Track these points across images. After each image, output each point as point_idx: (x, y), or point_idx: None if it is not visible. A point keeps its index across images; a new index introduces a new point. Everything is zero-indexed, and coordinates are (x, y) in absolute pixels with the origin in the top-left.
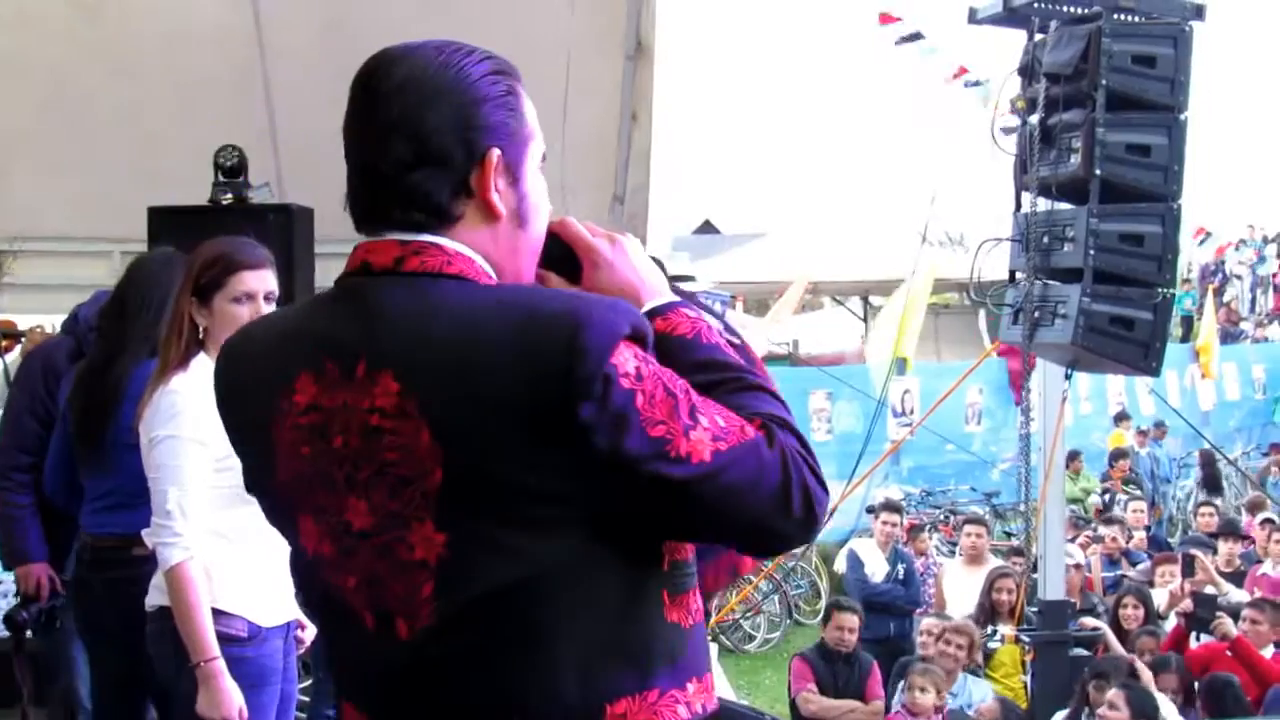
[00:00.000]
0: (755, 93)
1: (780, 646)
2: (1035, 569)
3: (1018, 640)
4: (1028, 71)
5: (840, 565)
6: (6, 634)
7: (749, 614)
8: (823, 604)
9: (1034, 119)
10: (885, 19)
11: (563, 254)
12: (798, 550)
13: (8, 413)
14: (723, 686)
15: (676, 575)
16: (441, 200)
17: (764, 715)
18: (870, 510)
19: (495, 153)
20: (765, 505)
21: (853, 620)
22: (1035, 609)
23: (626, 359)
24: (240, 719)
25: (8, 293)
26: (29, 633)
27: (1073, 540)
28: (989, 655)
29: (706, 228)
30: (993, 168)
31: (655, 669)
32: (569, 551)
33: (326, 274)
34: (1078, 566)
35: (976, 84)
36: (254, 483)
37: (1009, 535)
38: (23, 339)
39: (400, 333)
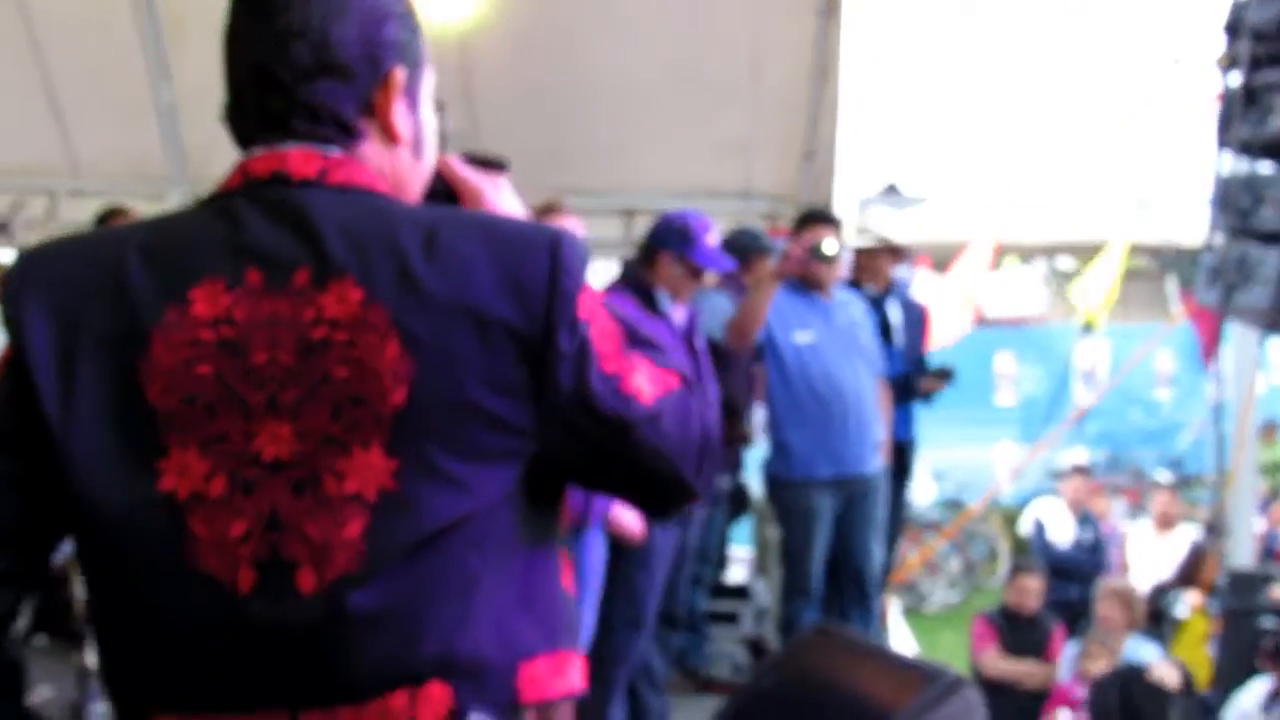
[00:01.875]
0: (944, 52)
1: (959, 608)
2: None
3: (1205, 610)
4: (1232, 29)
5: (1024, 528)
6: None
7: (928, 574)
8: (1002, 567)
9: (1237, 77)
10: None
11: (443, 192)
12: (979, 512)
13: None
14: (905, 645)
15: (565, 539)
16: (347, 115)
17: (949, 672)
18: (1055, 474)
19: (400, 72)
20: (685, 454)
21: (1036, 583)
22: (1224, 579)
23: (587, 293)
24: None
25: None
26: None
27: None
28: (1176, 624)
29: (892, 190)
30: (1187, 131)
31: (559, 630)
32: (504, 490)
33: None
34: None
35: (1176, 59)
36: (70, 403)
37: (1196, 503)
38: None
39: (357, 242)
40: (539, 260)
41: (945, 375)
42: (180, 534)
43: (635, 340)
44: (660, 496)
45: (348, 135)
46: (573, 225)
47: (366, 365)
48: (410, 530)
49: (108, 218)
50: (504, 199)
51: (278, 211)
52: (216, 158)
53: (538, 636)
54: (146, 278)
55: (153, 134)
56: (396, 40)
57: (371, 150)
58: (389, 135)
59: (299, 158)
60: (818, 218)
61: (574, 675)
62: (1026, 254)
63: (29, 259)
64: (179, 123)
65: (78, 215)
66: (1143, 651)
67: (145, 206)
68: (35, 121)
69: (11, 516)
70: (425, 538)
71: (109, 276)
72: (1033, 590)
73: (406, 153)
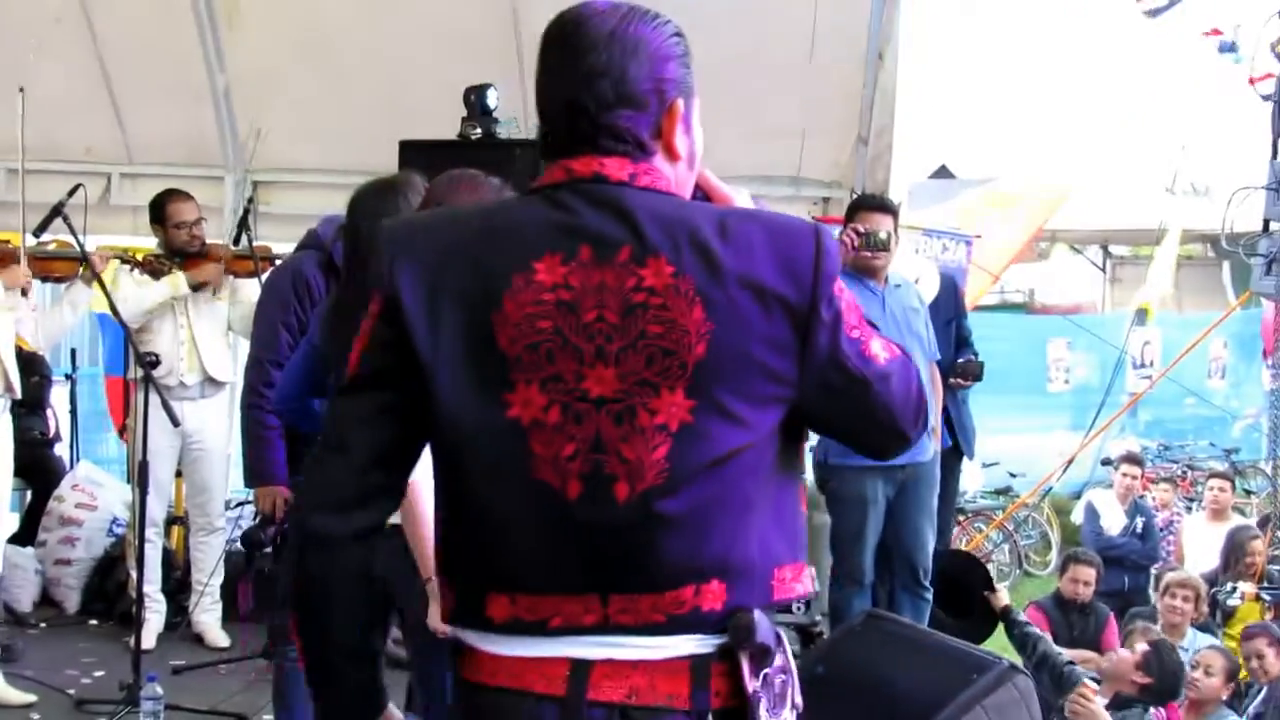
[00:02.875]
0: (998, 37)
1: (1010, 597)
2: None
3: (1258, 598)
4: None
5: (1077, 516)
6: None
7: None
8: (1053, 555)
9: None
10: None
11: (703, 198)
12: (1030, 501)
13: (259, 326)
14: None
15: (803, 472)
16: (643, 137)
17: (1002, 660)
18: (1106, 462)
19: (680, 103)
20: (906, 410)
21: (1089, 573)
22: (1278, 567)
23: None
24: None
25: (264, 221)
26: (268, 550)
27: None
28: (1229, 613)
29: (943, 173)
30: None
31: (799, 544)
32: (773, 428)
33: None
34: None
35: (1231, 48)
36: (441, 348)
37: (1249, 493)
38: (275, 262)
39: (667, 228)
40: (806, 246)
41: (972, 371)
42: (523, 452)
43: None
44: (881, 442)
45: (643, 152)
46: None
47: (677, 324)
48: (704, 455)
49: (164, 200)
50: (743, 203)
51: (600, 202)
52: (270, 142)
53: (786, 549)
54: (495, 251)
55: (207, 118)
56: (676, 77)
57: (660, 164)
58: (670, 154)
59: (613, 163)
60: (870, 203)
61: (808, 581)
62: (1079, 240)
63: (396, 235)
64: (233, 107)
65: (133, 199)
66: (1198, 642)
67: (200, 190)
68: (91, 106)
69: (388, 439)
70: (714, 461)
71: (460, 249)
72: (1087, 579)
73: (683, 166)
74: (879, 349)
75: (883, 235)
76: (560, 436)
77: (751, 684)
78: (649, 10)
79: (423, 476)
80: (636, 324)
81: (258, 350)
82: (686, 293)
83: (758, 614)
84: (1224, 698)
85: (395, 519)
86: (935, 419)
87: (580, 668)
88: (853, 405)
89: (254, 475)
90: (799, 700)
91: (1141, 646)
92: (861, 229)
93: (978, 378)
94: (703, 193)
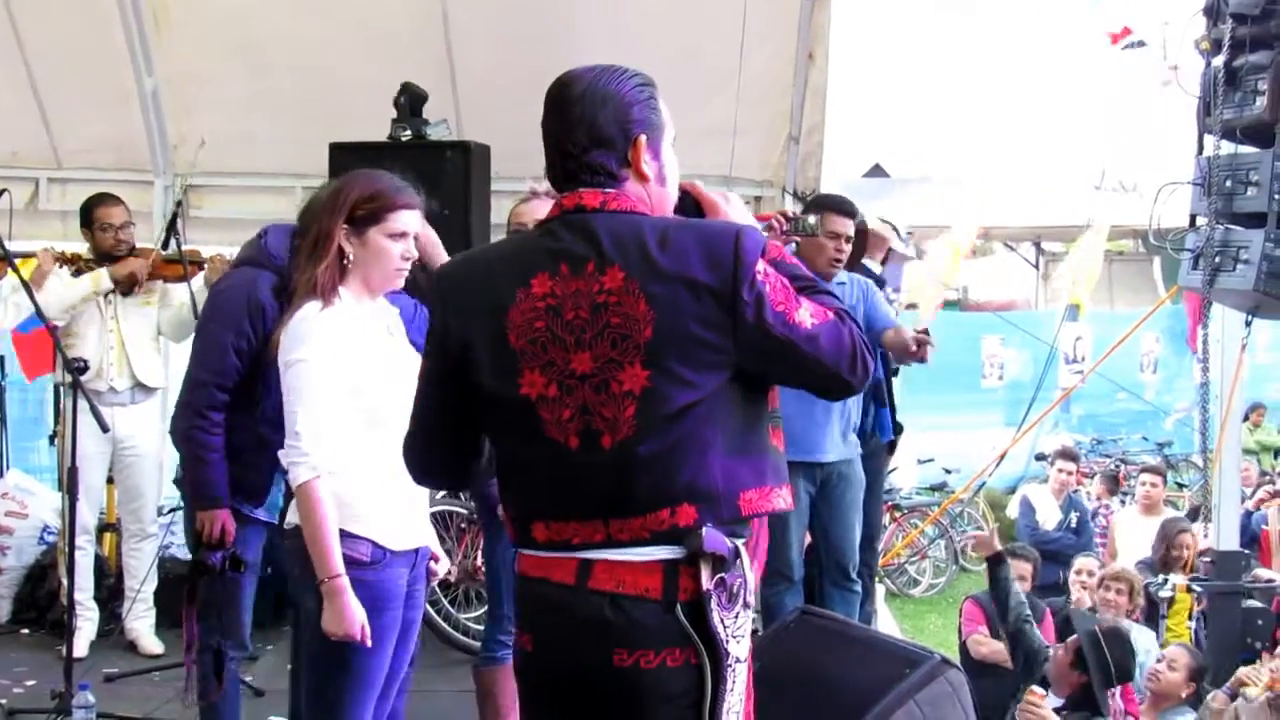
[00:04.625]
0: (926, 35)
1: (945, 592)
2: (1209, 519)
3: (1189, 589)
4: (1213, 11)
5: (1012, 511)
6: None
7: (915, 558)
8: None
9: (1218, 60)
10: None
11: (692, 204)
12: (965, 496)
13: (205, 345)
14: (890, 628)
15: (774, 416)
16: (612, 169)
17: (934, 654)
18: (1041, 458)
19: (642, 138)
20: (842, 363)
21: (1027, 568)
22: (1208, 559)
23: (761, 262)
24: (363, 637)
25: (195, 226)
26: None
27: (1253, 493)
28: (1167, 604)
29: (876, 171)
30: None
31: (766, 471)
32: (719, 385)
33: (502, 208)
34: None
35: (1140, 44)
36: (472, 349)
37: (1181, 486)
38: (205, 266)
39: (620, 244)
40: (727, 245)
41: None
42: (535, 418)
43: (806, 286)
44: (823, 387)
45: (615, 181)
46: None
47: (630, 315)
48: (663, 410)
49: (92, 204)
50: (733, 208)
51: (576, 228)
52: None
53: (750, 476)
54: (506, 273)
55: (136, 123)
56: (639, 118)
57: (632, 186)
58: (640, 177)
59: (590, 195)
60: (829, 204)
61: (775, 501)
62: (1012, 238)
63: (443, 272)
64: (161, 111)
65: (61, 204)
66: (1138, 637)
67: (129, 195)
68: (18, 110)
69: (447, 417)
70: (671, 415)
71: (485, 275)
72: (1024, 574)
73: (654, 184)
74: (806, 315)
75: (811, 220)
76: (559, 405)
77: (707, 583)
78: (618, 68)
79: (324, 489)
80: (602, 317)
81: (202, 372)
82: (634, 291)
83: (707, 530)
84: (1183, 695)
85: (296, 520)
86: (858, 417)
87: (585, 565)
88: (787, 362)
89: (199, 499)
90: (750, 600)
91: (1072, 640)
92: (790, 214)
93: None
94: (693, 199)
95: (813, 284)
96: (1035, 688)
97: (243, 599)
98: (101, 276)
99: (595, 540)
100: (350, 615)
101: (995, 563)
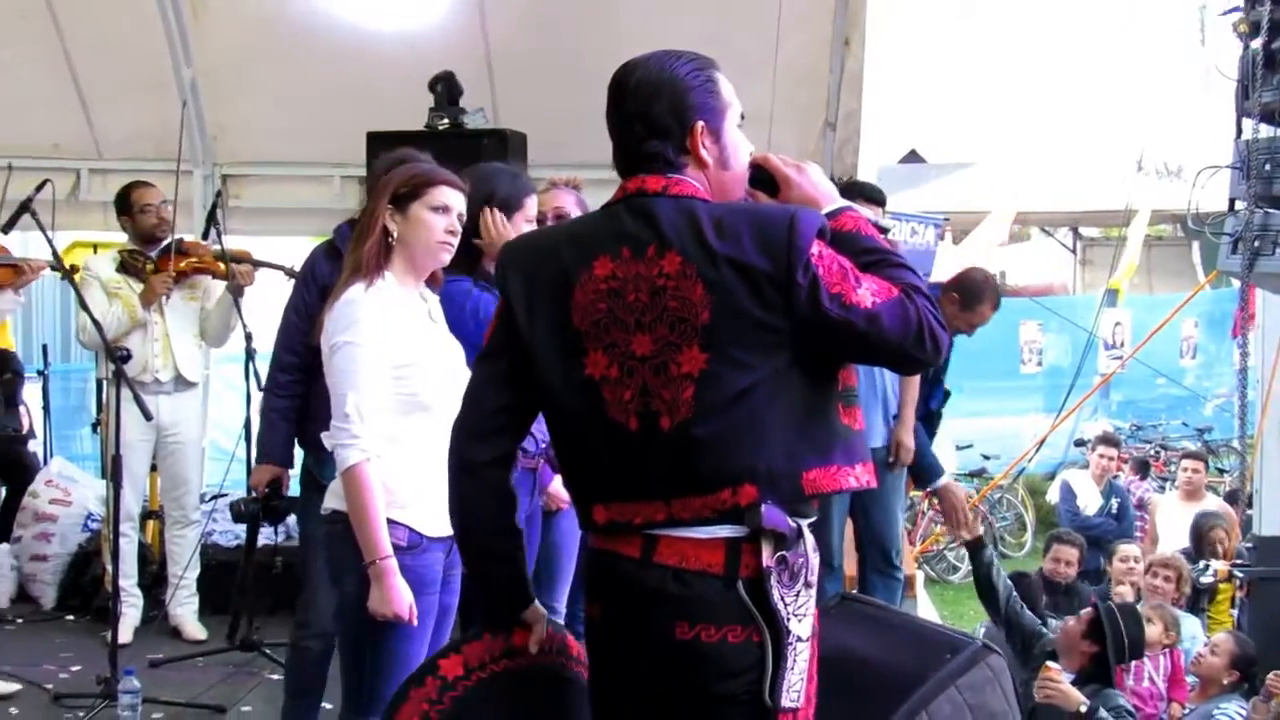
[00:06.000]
0: (965, 20)
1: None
2: (1250, 505)
3: (1230, 577)
4: None
5: (1052, 496)
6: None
7: (953, 545)
8: (1028, 536)
9: (1257, 43)
10: None
11: (767, 179)
12: (1004, 482)
13: (281, 320)
14: (929, 614)
15: (846, 394)
16: (669, 157)
17: (975, 640)
18: (1080, 443)
19: (700, 124)
20: (908, 339)
21: (1073, 553)
22: (1249, 544)
23: (815, 245)
24: (410, 616)
25: (233, 215)
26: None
27: None
28: (1211, 591)
29: (912, 156)
30: (1207, 99)
31: (833, 451)
32: (780, 366)
33: None
34: None
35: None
36: (537, 330)
37: (1221, 472)
38: (259, 267)
39: (678, 229)
40: (781, 230)
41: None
42: (598, 399)
43: (878, 260)
44: (892, 364)
45: (673, 168)
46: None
47: (687, 299)
48: (721, 393)
49: (127, 191)
50: (807, 179)
51: (638, 211)
52: (237, 136)
53: (813, 455)
54: (569, 255)
55: (176, 113)
56: (695, 103)
57: (692, 172)
58: (699, 162)
59: (652, 180)
60: (857, 190)
61: (843, 479)
62: (1049, 223)
63: (507, 250)
64: (200, 102)
65: (102, 195)
66: (1187, 626)
67: (168, 185)
68: (59, 102)
69: (506, 392)
70: (731, 396)
71: (549, 254)
72: (1070, 559)
73: (714, 169)
74: (866, 294)
75: None
76: (620, 386)
77: (768, 560)
78: (674, 54)
79: (374, 471)
80: (660, 301)
81: (276, 339)
82: (692, 275)
83: (767, 507)
84: (1226, 682)
85: (341, 505)
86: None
87: (650, 540)
88: (848, 342)
89: (258, 453)
90: (812, 579)
91: (1086, 612)
92: None
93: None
94: (766, 175)
95: (885, 257)
96: (1050, 662)
97: (312, 578)
98: (136, 309)
99: (658, 519)
100: (399, 596)
101: (977, 548)
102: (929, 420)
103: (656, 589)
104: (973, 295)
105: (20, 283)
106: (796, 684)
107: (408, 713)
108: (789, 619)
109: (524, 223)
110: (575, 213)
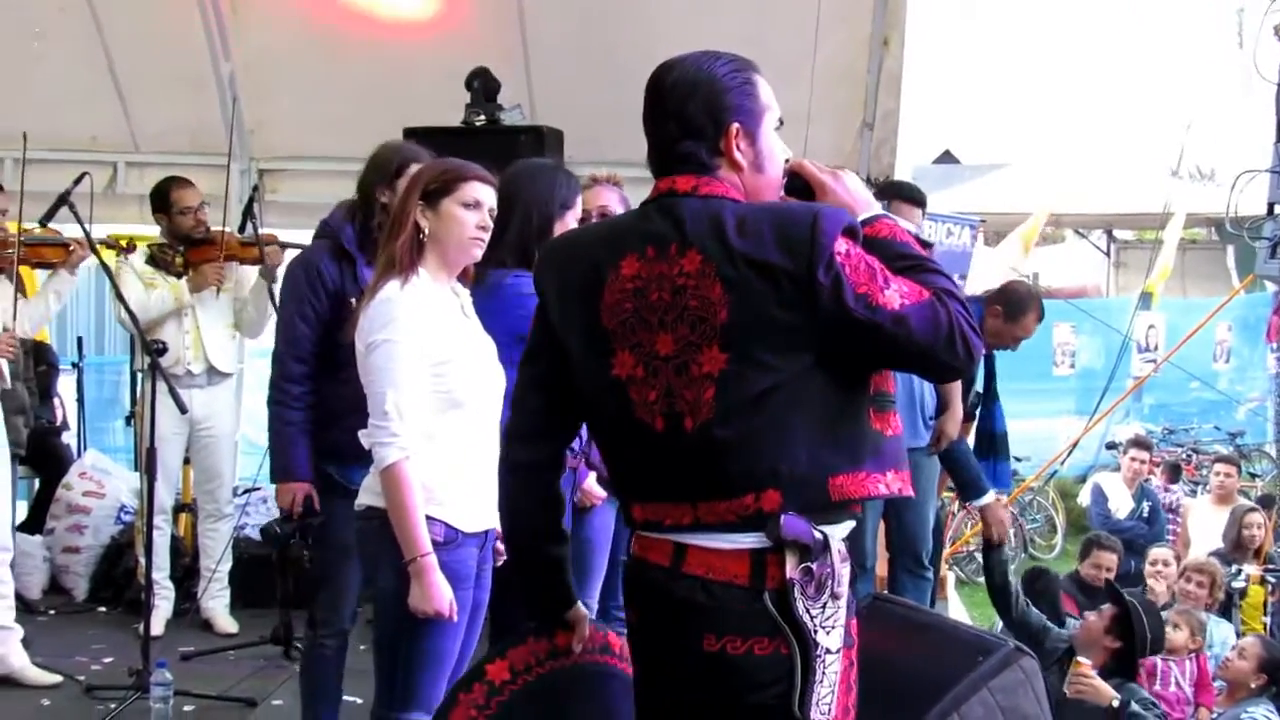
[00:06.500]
0: (1002, 22)
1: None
2: None
3: (1263, 581)
4: None
5: (1083, 499)
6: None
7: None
8: (1058, 539)
9: None
10: None
11: (802, 185)
12: (1035, 484)
13: (280, 322)
14: (960, 616)
15: (879, 399)
16: (703, 158)
17: (1007, 642)
18: (1111, 446)
19: (735, 126)
20: (938, 344)
21: (1112, 559)
22: None
23: (841, 243)
24: (451, 613)
25: (269, 210)
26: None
27: None
28: (1242, 594)
29: (946, 157)
30: (1244, 103)
31: (863, 457)
32: (803, 368)
33: None
34: None
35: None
36: (570, 329)
37: (1254, 476)
38: (289, 248)
39: (700, 227)
40: (803, 229)
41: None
42: (626, 400)
43: (912, 265)
44: (923, 370)
45: (706, 169)
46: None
47: (706, 298)
48: (743, 394)
49: (166, 188)
50: (843, 186)
51: (665, 211)
52: (275, 130)
53: (841, 460)
54: (600, 253)
55: (213, 108)
56: (731, 105)
57: (725, 173)
58: (733, 166)
59: (683, 180)
60: (901, 192)
61: (872, 486)
62: (1083, 225)
63: (545, 250)
64: (239, 96)
65: (139, 188)
66: (1214, 630)
67: (205, 179)
68: (96, 95)
69: (548, 394)
70: (753, 397)
71: (582, 253)
72: (1110, 565)
73: (749, 172)
74: (894, 296)
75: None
76: (646, 387)
77: (792, 572)
78: (713, 54)
79: (413, 469)
80: (681, 300)
81: (278, 346)
82: (710, 274)
83: (786, 518)
84: (1253, 685)
85: (376, 501)
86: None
87: (679, 548)
88: (874, 345)
89: (276, 471)
90: (840, 590)
91: (1108, 608)
92: None
93: None
94: (802, 181)
95: (920, 263)
96: (1080, 659)
97: (340, 578)
98: (183, 292)
99: (685, 523)
100: (439, 593)
101: (993, 548)
102: (993, 441)
103: (685, 599)
104: (1017, 307)
105: (72, 261)
106: (827, 696)
107: (457, 718)
108: (816, 631)
109: (573, 221)
110: (619, 209)
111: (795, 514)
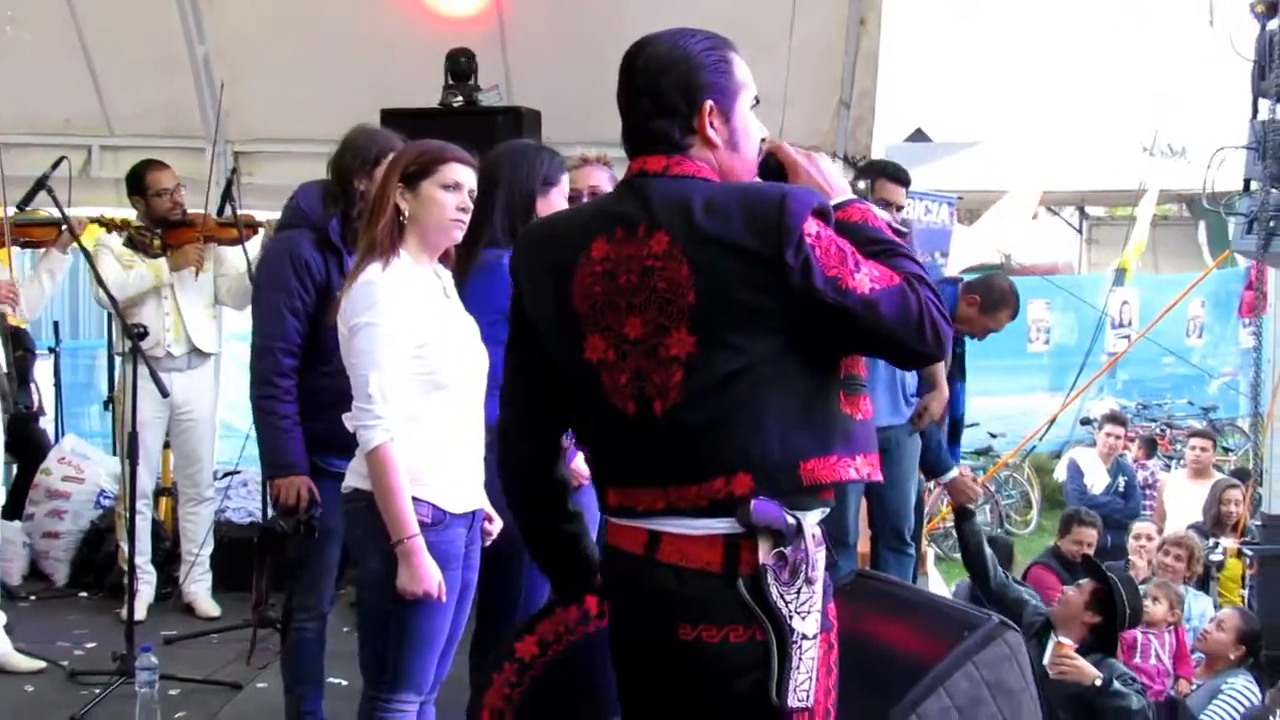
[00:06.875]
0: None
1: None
2: (1260, 483)
3: (1240, 554)
4: None
5: (1059, 474)
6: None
7: None
8: (1034, 515)
9: (1275, 24)
10: None
11: (776, 166)
12: (1012, 461)
13: (261, 313)
14: (939, 590)
15: (850, 382)
16: (676, 137)
17: (992, 617)
18: (1086, 422)
19: (709, 104)
20: (907, 329)
21: (1091, 534)
22: (1259, 523)
23: (811, 224)
24: (440, 593)
25: (246, 192)
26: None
27: None
28: (1220, 567)
29: (918, 136)
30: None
31: (833, 441)
32: (773, 351)
33: None
34: None
35: None
36: (543, 314)
37: (1227, 451)
38: (261, 229)
39: (668, 208)
40: (771, 209)
41: None
42: (598, 383)
43: (883, 250)
44: (892, 356)
45: (678, 148)
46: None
47: (673, 280)
48: (710, 377)
49: (142, 171)
50: (816, 168)
51: (636, 192)
52: (250, 113)
53: (812, 444)
54: (572, 236)
55: (188, 90)
56: (705, 82)
57: (698, 152)
58: (707, 143)
59: (654, 160)
60: (886, 171)
61: (843, 471)
62: (1056, 202)
63: (524, 233)
64: (214, 79)
65: (114, 172)
66: (1193, 603)
67: (181, 161)
68: (71, 78)
69: (531, 380)
70: (720, 380)
71: (556, 237)
72: (1090, 540)
73: (723, 150)
74: (864, 280)
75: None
76: (617, 370)
77: (765, 557)
78: (688, 31)
79: (398, 451)
80: (649, 282)
81: (263, 339)
82: (677, 255)
83: (756, 502)
84: (1232, 657)
85: (362, 484)
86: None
87: (653, 536)
88: (843, 328)
89: (274, 467)
90: (814, 575)
91: (1086, 583)
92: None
93: None
94: (777, 163)
95: (891, 247)
96: (1062, 639)
97: (322, 562)
98: (162, 270)
99: (657, 508)
100: (427, 573)
101: (964, 517)
102: (953, 426)
103: (659, 588)
104: (995, 302)
105: (63, 241)
106: (804, 682)
107: (491, 698)
108: (791, 617)
109: (559, 198)
110: (609, 189)
111: (766, 499)
